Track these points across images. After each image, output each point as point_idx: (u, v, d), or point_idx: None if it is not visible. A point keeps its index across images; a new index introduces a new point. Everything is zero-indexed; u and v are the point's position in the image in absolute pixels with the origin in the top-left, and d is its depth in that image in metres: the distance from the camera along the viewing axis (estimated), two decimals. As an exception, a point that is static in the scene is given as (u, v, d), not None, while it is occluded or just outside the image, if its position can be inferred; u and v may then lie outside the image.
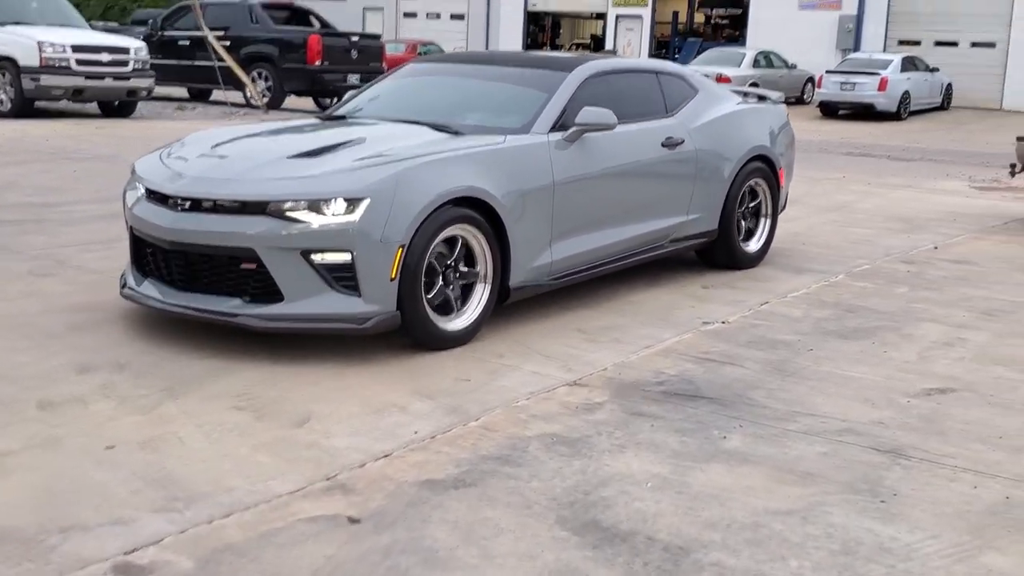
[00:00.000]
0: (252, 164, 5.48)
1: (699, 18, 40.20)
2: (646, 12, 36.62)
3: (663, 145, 6.86)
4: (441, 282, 5.46)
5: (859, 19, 32.92)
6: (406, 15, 41.38)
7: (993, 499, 3.88)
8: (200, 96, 22.15)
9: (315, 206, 5.09)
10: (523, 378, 5.08)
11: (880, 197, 12.14)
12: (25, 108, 15.61)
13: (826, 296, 6.91)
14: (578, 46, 43.35)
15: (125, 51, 16.27)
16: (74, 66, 15.56)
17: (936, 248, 8.81)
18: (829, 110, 27.68)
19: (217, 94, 20.23)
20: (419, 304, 5.28)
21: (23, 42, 15.34)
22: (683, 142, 7.00)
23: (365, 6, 41.27)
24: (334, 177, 5.24)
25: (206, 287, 5.35)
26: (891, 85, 26.63)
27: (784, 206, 8.34)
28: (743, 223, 7.66)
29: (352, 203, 5.09)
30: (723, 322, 6.20)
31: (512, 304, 6.04)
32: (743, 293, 6.91)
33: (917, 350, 5.79)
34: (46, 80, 15.31)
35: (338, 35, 21.08)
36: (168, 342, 5.40)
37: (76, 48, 15.60)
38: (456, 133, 6.02)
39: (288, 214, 5.09)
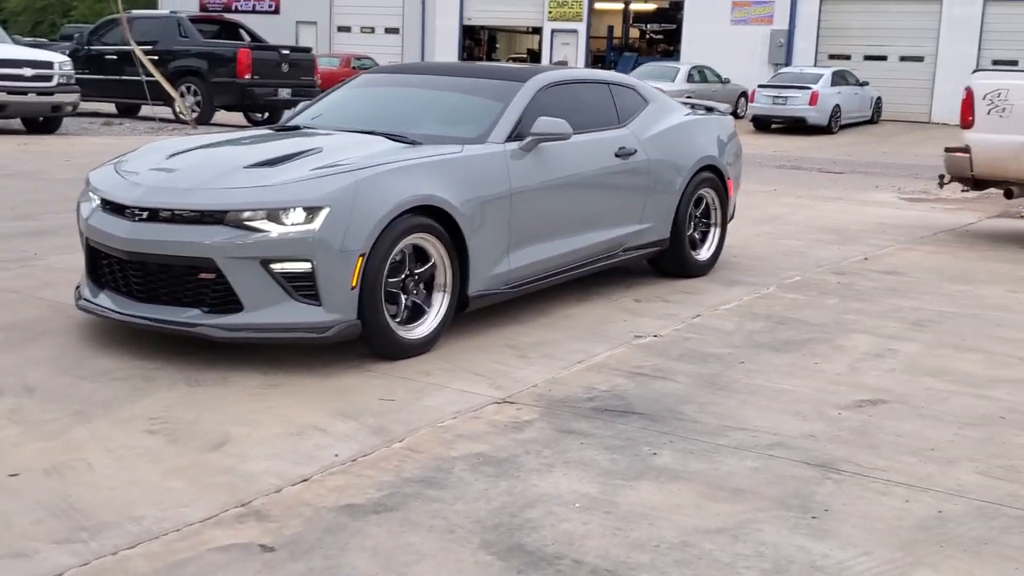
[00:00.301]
0: (209, 174, 5.46)
1: (634, 33, 40.46)
2: (581, 27, 36.76)
3: (616, 155, 6.94)
4: (401, 292, 5.49)
5: (790, 34, 33.30)
6: (340, 29, 41.11)
7: (925, 514, 3.82)
8: (128, 112, 21.77)
9: (274, 215, 5.08)
10: (450, 397, 4.95)
11: (811, 209, 12.19)
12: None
13: (758, 308, 6.87)
14: (515, 60, 43.38)
15: (49, 66, 15.91)
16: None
17: (866, 259, 8.83)
18: (762, 124, 27.93)
19: (146, 109, 19.88)
20: (379, 313, 5.27)
21: (-57, 57, 14.96)
22: (635, 152, 7.08)
23: (298, 20, 40.95)
24: (293, 186, 5.22)
25: (164, 298, 5.30)
26: (822, 99, 26.94)
27: (733, 215, 8.38)
28: (694, 233, 7.76)
29: (311, 212, 5.08)
30: (655, 336, 6.12)
31: None
32: (675, 306, 6.85)
33: (848, 361, 5.75)
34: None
35: (269, 48, 20.83)
36: (85, 362, 5.20)
37: (-3, 63, 15.23)
38: (412, 143, 5.99)
39: (247, 223, 5.08)
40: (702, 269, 7.82)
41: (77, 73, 19.37)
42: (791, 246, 9.37)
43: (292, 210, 5.10)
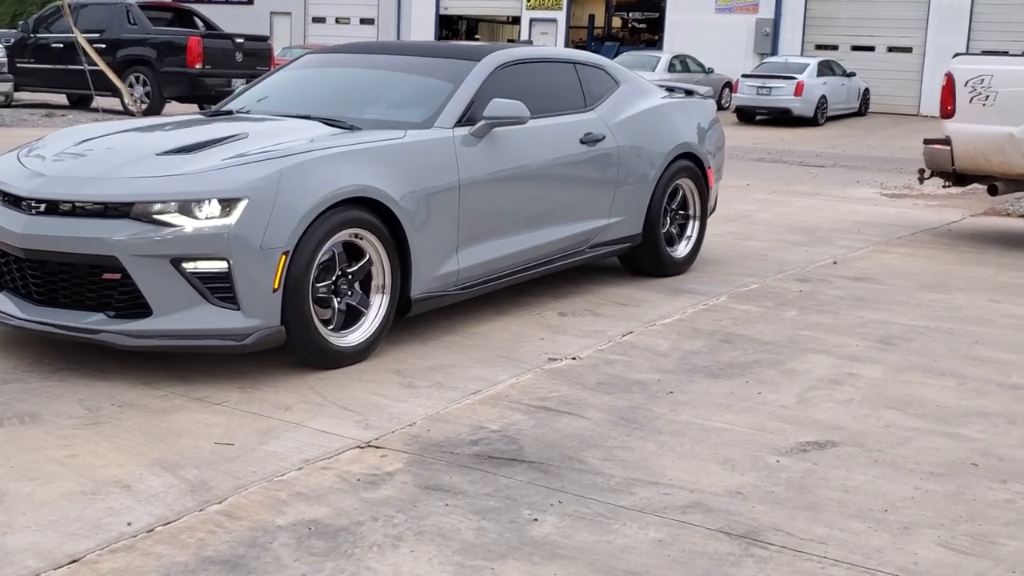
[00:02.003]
0: (117, 162, 4.83)
1: (616, 22, 39.52)
2: (561, 16, 35.83)
3: (582, 142, 6.29)
4: (333, 294, 4.90)
5: (776, 23, 32.39)
6: (315, 20, 40.11)
7: (866, 612, 2.94)
8: (82, 103, 20.82)
9: (186, 208, 4.50)
10: (303, 440, 4.06)
11: (784, 206, 11.30)
12: None
13: (702, 323, 5.98)
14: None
15: (-22, 53, 14.94)
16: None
17: (835, 263, 7.94)
18: (746, 115, 27.05)
19: (99, 100, 18.94)
20: (306, 318, 4.68)
21: None
22: (603, 138, 6.43)
23: (273, 11, 39.96)
24: (208, 175, 4.62)
25: (65, 301, 4.74)
26: (807, 89, 26.06)
27: (714, 208, 7.67)
28: (671, 227, 7.10)
29: (227, 204, 4.50)
30: (573, 358, 5.23)
31: None
32: (605, 321, 5.95)
33: (798, 390, 4.87)
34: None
35: (222, 37, 19.88)
36: None
37: (-78, 50, 14.26)
38: (351, 128, 5.34)
39: (156, 217, 4.51)
40: (679, 267, 7.16)
41: (23, 63, 18.48)
42: (754, 248, 8.47)
43: (206, 202, 4.50)
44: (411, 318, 5.58)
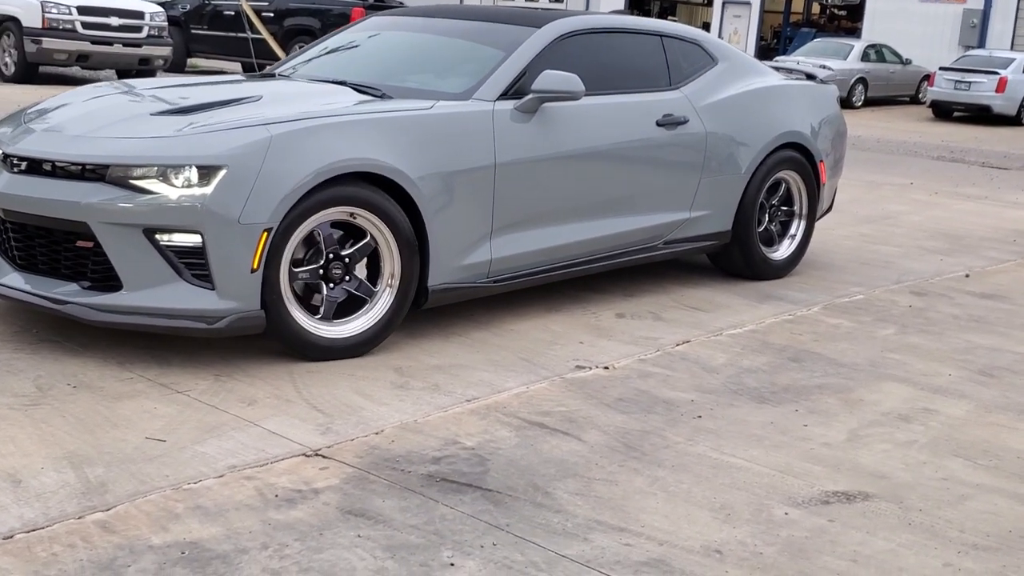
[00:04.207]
0: (106, 120, 4.52)
1: (815, 8, 37.86)
2: (756, 0, 34.47)
3: (659, 124, 5.61)
4: (323, 280, 4.43)
5: (985, 14, 30.21)
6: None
7: None
8: (252, 71, 21.05)
9: (162, 174, 4.11)
10: (247, 441, 3.61)
11: (940, 209, 10.24)
12: (29, 73, 14.60)
13: (776, 336, 5.24)
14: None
15: (139, 16, 15.15)
16: (79, 29, 14.50)
17: (967, 276, 6.99)
18: (942, 111, 25.28)
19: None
20: (280, 303, 4.23)
21: (27, 0, 14.34)
22: (686, 121, 5.72)
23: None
24: (189, 140, 4.21)
25: (44, 267, 4.40)
26: (1011, 86, 24.11)
27: (830, 207, 6.91)
28: (769, 225, 6.34)
29: (206, 172, 4.09)
30: (605, 367, 4.61)
31: None
32: (665, 327, 5.29)
33: (854, 425, 4.13)
34: (48, 43, 14.28)
35: (386, 7, 19.71)
36: None
37: (82, 10, 14.52)
38: (382, 96, 4.87)
39: (131, 182, 4.13)
40: (776, 270, 6.38)
41: (198, 29, 18.78)
42: (881, 253, 7.58)
43: (185, 168, 4.10)
44: (444, 309, 5.08)
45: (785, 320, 5.56)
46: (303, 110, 4.46)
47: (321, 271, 4.37)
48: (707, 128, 5.81)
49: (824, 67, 24.50)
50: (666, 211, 5.70)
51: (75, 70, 16.41)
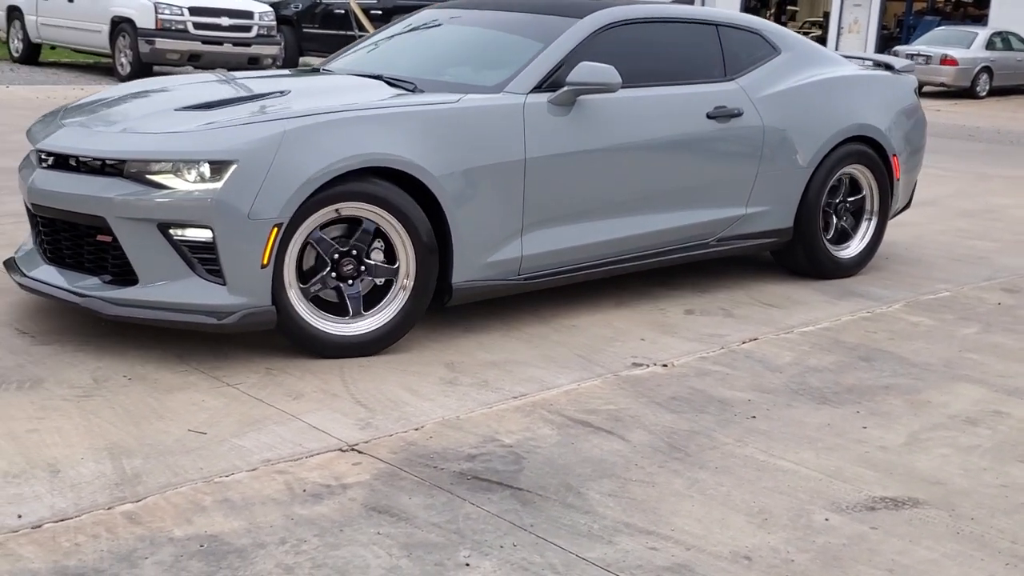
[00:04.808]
0: (132, 116, 4.61)
1: (941, -6, 36.64)
2: (878, -12, 33.52)
3: (710, 116, 5.41)
4: (333, 274, 4.38)
5: (1121, -2, 28.85)
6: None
7: None
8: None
9: (176, 169, 4.14)
10: (286, 435, 3.63)
11: (1053, 202, 9.78)
12: (143, 72, 15.02)
13: (849, 334, 5.07)
14: (809, 24, 40.54)
15: (248, 15, 15.45)
16: (191, 29, 14.86)
17: (1068, 273, 6.66)
18: (1071, 101, 24.26)
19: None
20: (284, 298, 4.25)
21: (141, 2, 14.76)
22: (740, 114, 5.52)
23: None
24: (203, 135, 4.23)
25: (70, 262, 4.50)
26: None
27: (908, 204, 6.64)
28: (837, 221, 6.10)
29: (218, 167, 4.11)
30: (664, 365, 4.52)
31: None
32: (734, 323, 5.16)
33: (916, 428, 3.96)
34: (161, 43, 14.68)
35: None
36: None
37: (194, 11, 14.89)
38: (414, 90, 4.84)
39: (148, 177, 4.16)
40: (844, 269, 6.10)
41: (309, 28, 19.08)
42: (976, 248, 7.28)
43: (198, 164, 4.12)
44: (507, 303, 5.05)
45: (862, 317, 5.38)
46: (324, 105, 4.43)
47: (334, 273, 4.34)
48: (764, 120, 5.60)
49: (947, 56, 23.78)
50: (718, 207, 5.51)
51: (187, 69, 16.83)
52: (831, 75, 6.02)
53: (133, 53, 14.86)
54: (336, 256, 4.33)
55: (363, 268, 4.37)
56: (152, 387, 4.00)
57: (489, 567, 2.86)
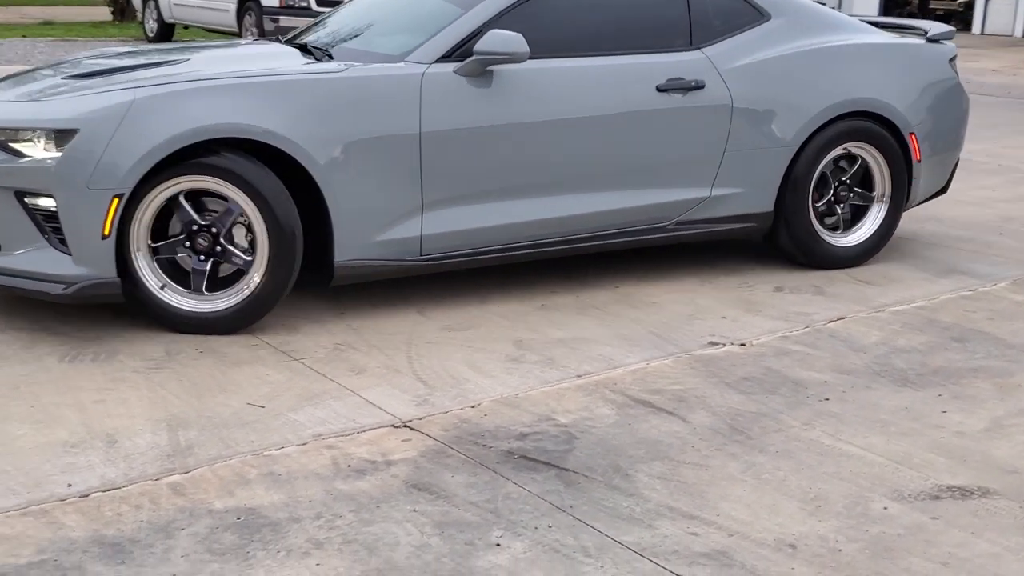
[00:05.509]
0: (29, 86, 4.63)
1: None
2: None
3: (661, 89, 4.93)
4: (187, 244, 4.30)
5: None
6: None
7: None
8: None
9: (30, 136, 4.14)
10: (341, 410, 3.64)
11: None
12: (270, 49, 15.33)
13: (945, 314, 4.84)
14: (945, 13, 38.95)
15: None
16: (314, 7, 15.04)
17: None
18: None
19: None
20: (137, 273, 4.24)
21: (266, -20, 15.04)
22: (701, 87, 5.00)
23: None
24: (54, 103, 4.24)
25: None
26: None
27: (945, 188, 5.91)
28: (836, 206, 5.48)
29: (62, 135, 4.08)
30: (742, 344, 4.39)
31: (456, 295, 4.70)
32: (824, 301, 4.98)
33: (1000, 413, 3.77)
34: (285, 21, 14.88)
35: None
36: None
37: (316, -12, 15.09)
38: (322, 58, 4.80)
39: (11, 145, 4.16)
40: (843, 260, 5.47)
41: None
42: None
43: (44, 131, 4.11)
44: (586, 280, 4.98)
45: (962, 296, 5.13)
46: (192, 74, 4.37)
47: (188, 242, 4.25)
48: (733, 94, 5.06)
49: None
50: (674, 188, 5.03)
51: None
52: (829, 44, 5.39)
53: (258, 31, 15.14)
54: (196, 228, 4.24)
55: (218, 248, 4.28)
56: (221, 360, 4.06)
57: (520, 548, 2.81)
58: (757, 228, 5.29)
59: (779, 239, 5.37)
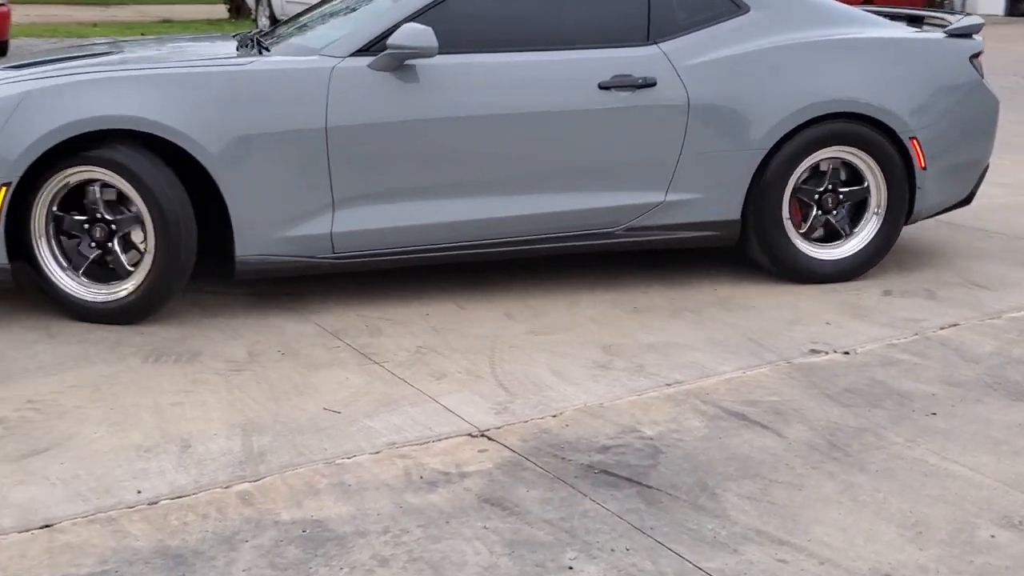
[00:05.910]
0: None
1: None
2: None
3: (603, 87, 4.65)
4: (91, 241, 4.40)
5: None
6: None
7: None
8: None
9: None
10: (418, 417, 3.53)
11: None
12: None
13: (1068, 321, 4.54)
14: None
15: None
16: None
17: None
18: None
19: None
20: (37, 260, 4.34)
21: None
22: (652, 84, 4.68)
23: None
24: None
25: None
26: None
27: (969, 198, 5.33)
28: (821, 216, 5.01)
29: None
30: (845, 352, 4.16)
31: (563, 298, 4.57)
32: (936, 306, 4.71)
33: None
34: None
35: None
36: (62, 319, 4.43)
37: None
38: (260, 52, 4.71)
39: None
40: (828, 275, 5.02)
41: None
42: None
43: None
44: (679, 283, 4.80)
45: (1088, 303, 4.80)
46: (92, 67, 4.41)
47: (87, 226, 4.34)
48: (691, 92, 4.72)
49: None
50: (621, 191, 4.73)
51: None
52: (813, 39, 4.94)
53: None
54: (98, 218, 4.32)
55: (110, 243, 4.36)
56: (301, 363, 3.99)
57: (593, 572, 2.66)
58: (722, 237, 4.90)
59: (750, 250, 5.00)
